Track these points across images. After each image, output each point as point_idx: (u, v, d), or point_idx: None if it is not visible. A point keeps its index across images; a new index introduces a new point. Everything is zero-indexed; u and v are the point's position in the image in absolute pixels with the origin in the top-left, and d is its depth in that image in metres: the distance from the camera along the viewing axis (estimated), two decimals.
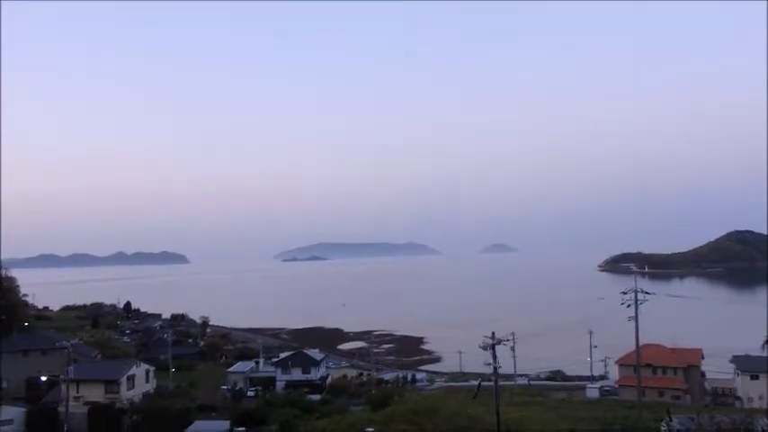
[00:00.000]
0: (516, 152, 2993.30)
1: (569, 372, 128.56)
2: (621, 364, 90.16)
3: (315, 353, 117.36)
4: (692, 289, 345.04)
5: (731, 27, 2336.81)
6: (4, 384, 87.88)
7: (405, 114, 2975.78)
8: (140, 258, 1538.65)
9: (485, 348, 55.80)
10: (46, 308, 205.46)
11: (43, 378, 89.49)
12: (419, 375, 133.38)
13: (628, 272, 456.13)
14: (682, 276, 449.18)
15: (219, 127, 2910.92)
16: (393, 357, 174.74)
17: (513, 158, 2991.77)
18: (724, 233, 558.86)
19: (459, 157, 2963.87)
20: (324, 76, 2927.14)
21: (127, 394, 77.23)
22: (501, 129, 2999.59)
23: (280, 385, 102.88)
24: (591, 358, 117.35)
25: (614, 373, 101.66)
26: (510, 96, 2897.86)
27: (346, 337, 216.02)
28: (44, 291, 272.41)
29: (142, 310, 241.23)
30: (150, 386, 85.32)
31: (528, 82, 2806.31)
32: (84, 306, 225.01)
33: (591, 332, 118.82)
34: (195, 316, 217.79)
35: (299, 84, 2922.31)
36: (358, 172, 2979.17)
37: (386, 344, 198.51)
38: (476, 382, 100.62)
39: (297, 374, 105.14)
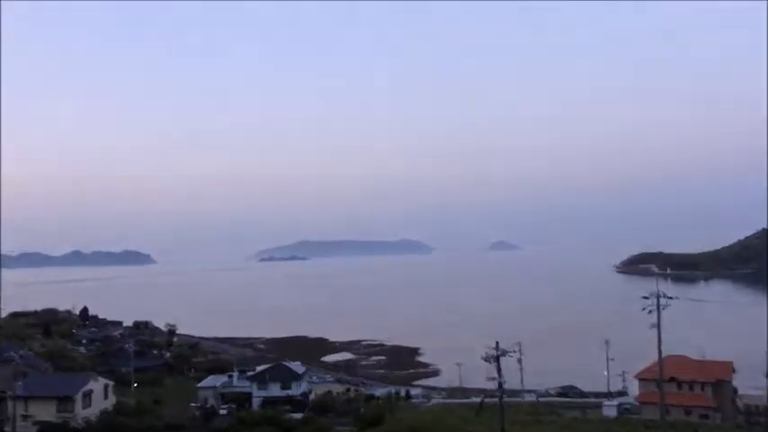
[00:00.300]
0: (520, 143, 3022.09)
1: (583, 387, 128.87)
2: (642, 378, 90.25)
3: (296, 365, 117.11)
4: (719, 293, 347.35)
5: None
6: None
7: (397, 103, 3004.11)
8: (99, 258, 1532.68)
9: (488, 360, 55.66)
10: None
11: None
12: (414, 391, 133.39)
13: (648, 273, 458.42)
14: (708, 278, 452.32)
15: (189, 115, 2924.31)
16: (384, 371, 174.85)
17: (517, 150, 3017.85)
18: (754, 231, 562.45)
19: (458, 148, 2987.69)
20: (312, 66, 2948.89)
21: (82, 413, 76.68)
22: (502, 118, 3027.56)
23: (256, 402, 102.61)
24: (608, 372, 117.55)
25: (634, 389, 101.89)
26: (513, 85, 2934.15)
27: (331, 347, 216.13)
28: None
29: (101, 316, 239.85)
30: (109, 403, 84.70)
31: (533, 71, 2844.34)
32: (35, 312, 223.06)
33: (607, 342, 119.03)
34: (160, 323, 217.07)
35: (281, 72, 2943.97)
36: (344, 164, 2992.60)
37: (376, 355, 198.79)
38: (478, 399, 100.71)
39: (275, 390, 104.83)
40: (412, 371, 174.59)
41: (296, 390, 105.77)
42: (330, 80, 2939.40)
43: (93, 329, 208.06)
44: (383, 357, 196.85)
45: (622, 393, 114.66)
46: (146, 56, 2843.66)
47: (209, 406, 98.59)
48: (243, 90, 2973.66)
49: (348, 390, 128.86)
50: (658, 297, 57.97)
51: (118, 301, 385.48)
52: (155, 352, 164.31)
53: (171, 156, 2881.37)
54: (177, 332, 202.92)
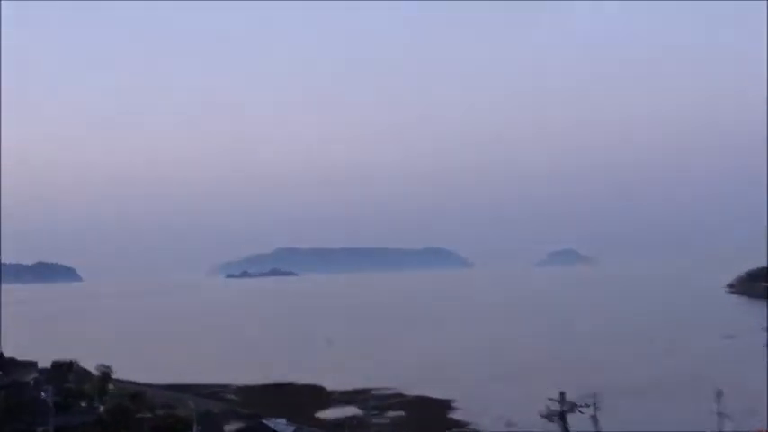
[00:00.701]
0: (586, 117, 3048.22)
1: None
2: None
3: (280, 424, 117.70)
4: None
5: None
6: None
7: (424, 62, 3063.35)
8: (3, 273, 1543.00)
9: (549, 418, 55.87)
10: None
11: None
12: None
13: None
14: None
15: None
16: None
17: (584, 126, 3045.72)
18: None
19: (502, 125, 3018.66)
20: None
21: None
22: (559, 84, 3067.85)
23: None
24: None
25: None
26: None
27: (329, 398, 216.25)
28: None
29: (7, 355, 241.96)
30: None
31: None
32: None
33: (719, 392, 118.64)
34: (90, 364, 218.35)
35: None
36: (346, 145, 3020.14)
37: (392, 410, 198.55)
38: None
39: None
40: None
41: None
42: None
43: None
44: (402, 413, 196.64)
45: None
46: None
47: None
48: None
49: None
50: None
51: (30, 333, 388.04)
52: (83, 404, 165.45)
53: (105, 144, 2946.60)
54: (113, 377, 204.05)
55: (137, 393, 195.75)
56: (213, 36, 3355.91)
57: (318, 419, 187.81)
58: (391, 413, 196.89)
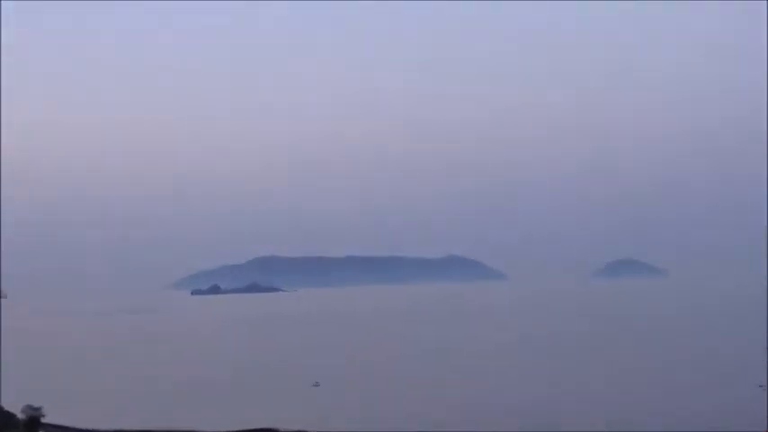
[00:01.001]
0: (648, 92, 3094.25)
1: None
2: None
3: None
4: None
5: None
6: None
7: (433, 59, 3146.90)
8: None
9: None
10: None
11: None
12: None
13: None
14: None
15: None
16: None
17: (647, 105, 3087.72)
18: None
19: (542, 104, 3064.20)
20: None
21: None
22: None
23: None
24: None
25: None
26: None
27: None
28: None
29: None
30: None
31: None
32: None
33: None
34: (14, 405, 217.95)
35: None
36: (344, 125, 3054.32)
37: None
38: None
39: None
40: None
41: None
42: None
43: None
44: None
45: None
46: None
47: None
48: None
49: None
50: None
51: None
52: None
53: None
54: (44, 421, 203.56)
55: None
56: (212, 35, 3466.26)
57: None
58: None
